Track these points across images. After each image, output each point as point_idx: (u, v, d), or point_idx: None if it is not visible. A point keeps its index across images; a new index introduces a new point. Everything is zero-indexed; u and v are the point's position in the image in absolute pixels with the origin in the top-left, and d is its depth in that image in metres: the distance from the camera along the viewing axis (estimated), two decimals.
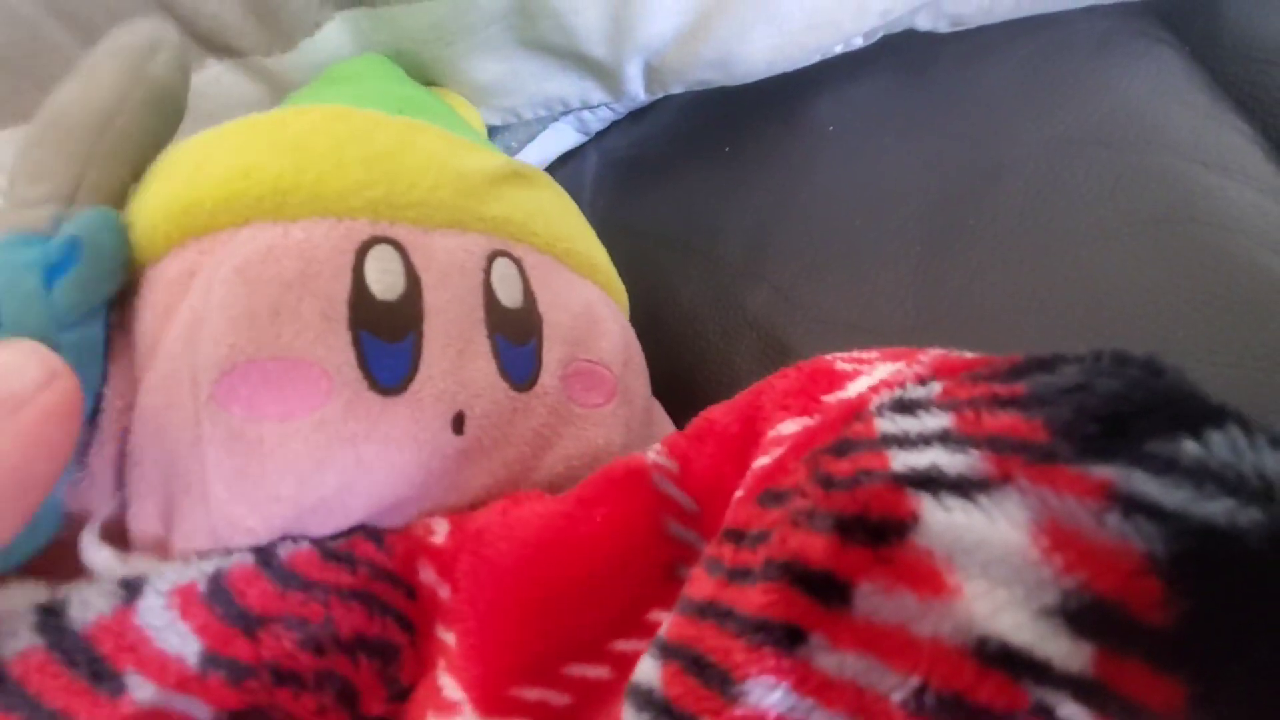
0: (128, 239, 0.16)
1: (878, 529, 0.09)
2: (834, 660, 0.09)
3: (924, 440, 0.10)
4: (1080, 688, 0.08)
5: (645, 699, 0.11)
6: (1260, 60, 0.24)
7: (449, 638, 0.15)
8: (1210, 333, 0.19)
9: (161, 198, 0.16)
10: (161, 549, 0.15)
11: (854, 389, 0.13)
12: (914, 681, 0.09)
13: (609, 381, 0.19)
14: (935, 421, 0.10)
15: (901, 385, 0.12)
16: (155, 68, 0.18)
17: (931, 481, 0.09)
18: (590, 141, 0.37)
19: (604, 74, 0.30)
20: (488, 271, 0.18)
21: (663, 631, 0.12)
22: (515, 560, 0.15)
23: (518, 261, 0.18)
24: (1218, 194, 0.21)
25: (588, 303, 0.20)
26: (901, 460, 0.10)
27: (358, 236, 0.16)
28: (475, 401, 0.17)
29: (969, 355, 0.12)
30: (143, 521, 0.15)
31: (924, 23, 0.29)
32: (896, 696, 0.09)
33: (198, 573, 0.14)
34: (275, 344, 0.14)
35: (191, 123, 0.29)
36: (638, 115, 0.36)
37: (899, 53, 0.29)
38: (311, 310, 0.15)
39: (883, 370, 0.13)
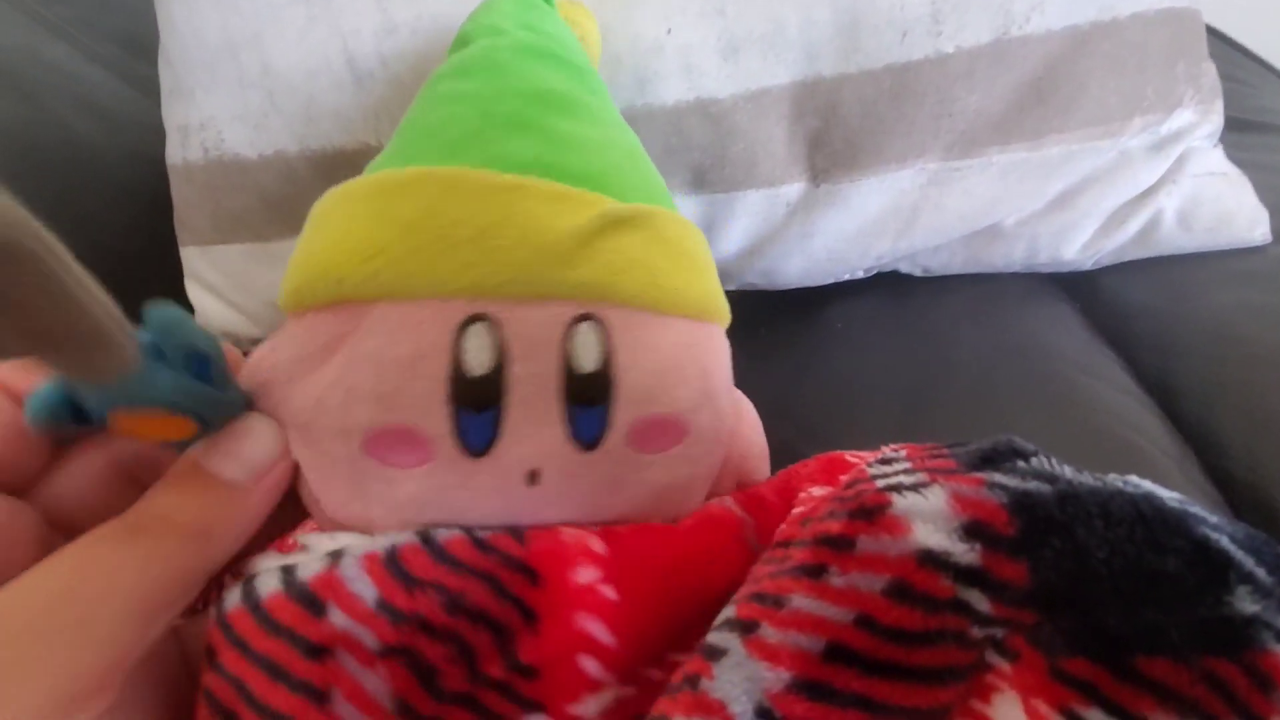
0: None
1: (868, 510, 0.17)
2: (842, 580, 0.16)
3: (894, 474, 0.19)
4: (976, 575, 0.16)
5: (725, 623, 0.18)
6: (1123, 317, 0.37)
7: (595, 628, 0.18)
8: (1086, 467, 0.28)
9: (306, 263, 0.19)
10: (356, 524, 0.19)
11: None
12: (886, 577, 0.16)
13: (678, 426, 0.20)
14: (901, 466, 0.19)
15: (882, 452, 0.21)
16: None
17: (897, 487, 0.18)
18: None
19: None
20: (569, 338, 0.19)
21: (739, 593, 0.18)
22: (667, 587, 0.20)
23: (602, 322, 0.19)
24: (1093, 390, 0.32)
25: (669, 352, 0.20)
26: (881, 482, 0.18)
27: (458, 316, 0.18)
28: (547, 461, 0.19)
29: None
30: (329, 507, 0.20)
31: (904, 268, 0.42)
32: (878, 587, 0.16)
33: (379, 546, 0.18)
34: (397, 415, 0.18)
35: None
36: None
37: (888, 284, 0.42)
38: (421, 389, 0.18)
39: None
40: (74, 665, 0.14)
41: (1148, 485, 0.17)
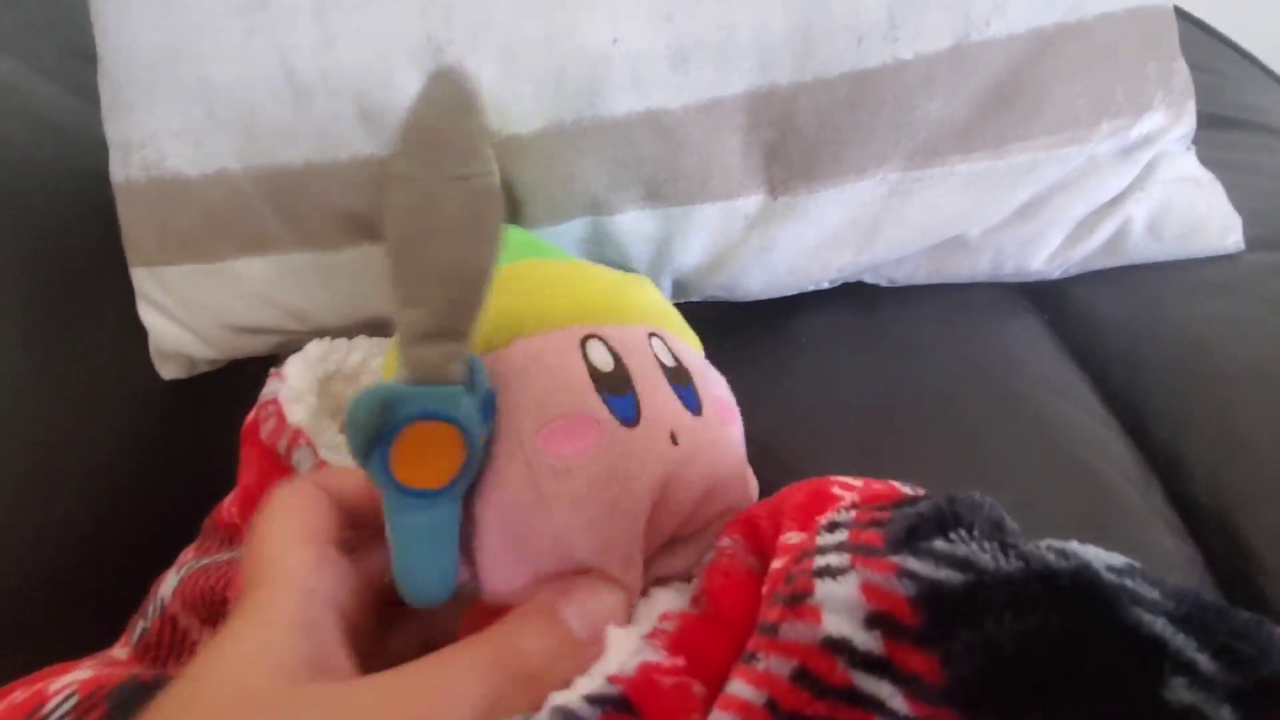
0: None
1: (797, 598, 0.18)
2: (763, 663, 0.17)
3: (831, 549, 0.18)
4: (880, 664, 0.15)
5: None
6: (1093, 330, 0.35)
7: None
8: (1048, 492, 0.28)
9: (491, 319, 0.23)
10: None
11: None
12: (794, 663, 0.16)
13: (728, 407, 0.27)
14: (842, 535, 0.19)
15: (838, 510, 0.20)
16: None
17: (825, 571, 0.18)
18: None
19: None
20: (651, 345, 0.26)
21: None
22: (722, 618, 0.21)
23: (662, 337, 0.26)
24: (1057, 409, 0.31)
25: (699, 360, 0.28)
26: (817, 563, 0.18)
27: (578, 336, 0.24)
28: (678, 424, 0.24)
29: (898, 488, 0.21)
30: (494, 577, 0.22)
31: (869, 279, 0.41)
32: (785, 672, 0.16)
33: None
34: (560, 408, 0.22)
35: None
36: None
37: (853, 295, 0.40)
38: (577, 386, 0.23)
39: (855, 495, 0.22)
40: None
41: (1086, 554, 0.16)
